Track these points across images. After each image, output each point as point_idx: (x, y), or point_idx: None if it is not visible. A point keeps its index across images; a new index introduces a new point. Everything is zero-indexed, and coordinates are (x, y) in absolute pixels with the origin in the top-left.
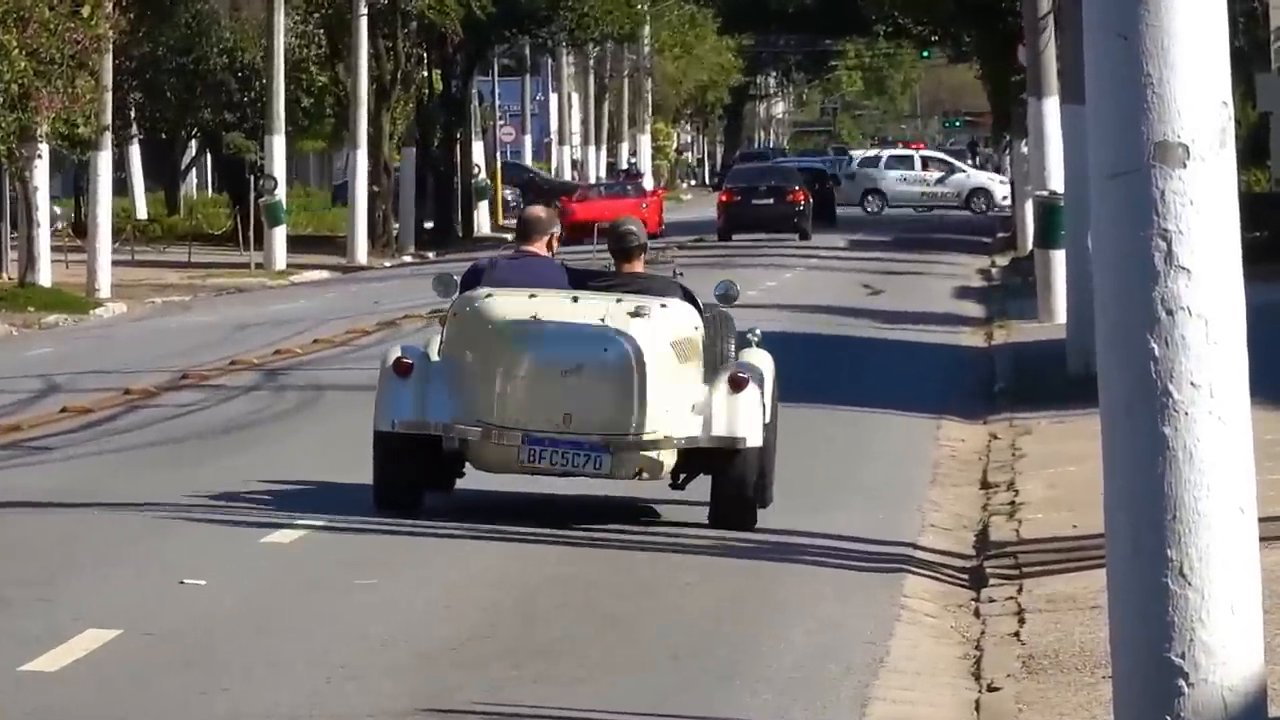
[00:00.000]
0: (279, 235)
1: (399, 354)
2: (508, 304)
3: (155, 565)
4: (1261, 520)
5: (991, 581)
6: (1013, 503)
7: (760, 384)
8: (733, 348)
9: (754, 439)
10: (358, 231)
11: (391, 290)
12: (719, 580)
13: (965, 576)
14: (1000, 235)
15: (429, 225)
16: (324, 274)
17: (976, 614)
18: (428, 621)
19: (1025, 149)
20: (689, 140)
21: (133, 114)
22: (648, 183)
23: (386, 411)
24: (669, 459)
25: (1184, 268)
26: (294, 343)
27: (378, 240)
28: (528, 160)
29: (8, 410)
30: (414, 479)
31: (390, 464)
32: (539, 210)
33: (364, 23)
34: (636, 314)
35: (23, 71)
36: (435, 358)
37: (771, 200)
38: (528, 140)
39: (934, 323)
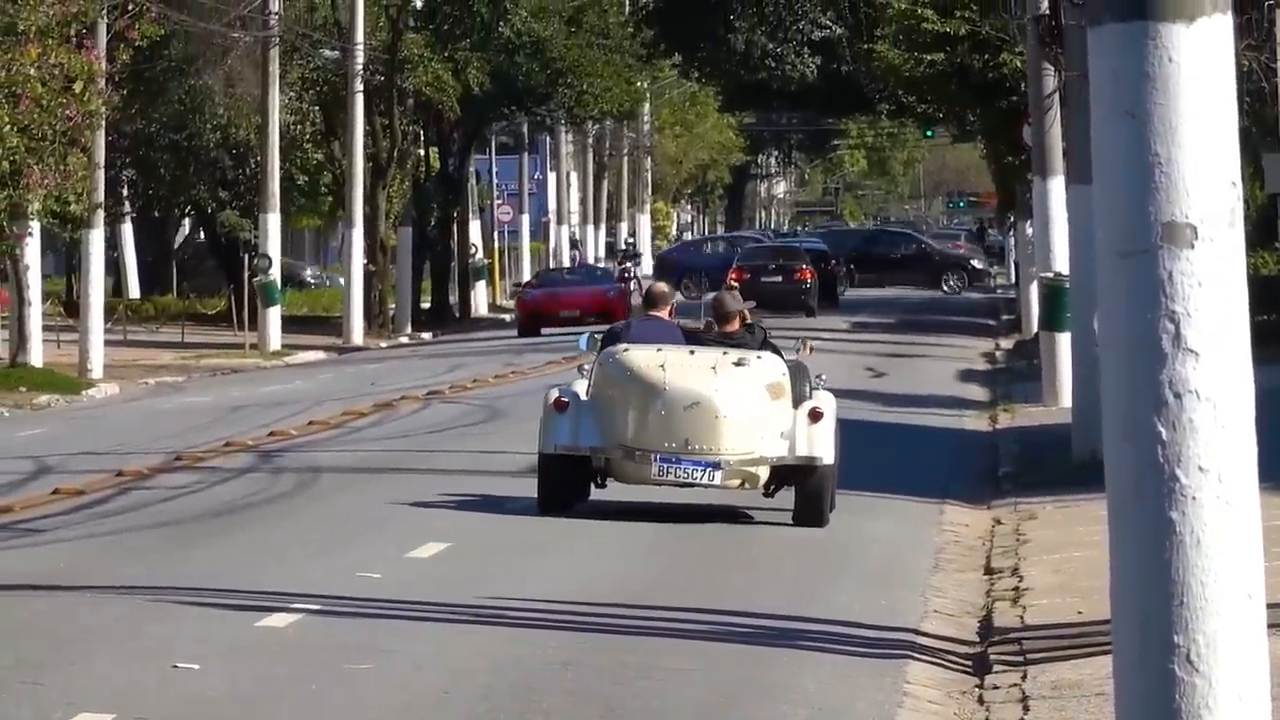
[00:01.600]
0: (274, 315)
1: (558, 394)
2: (641, 356)
3: (148, 649)
4: (1270, 607)
5: (995, 668)
6: (1017, 588)
7: (831, 416)
8: (808, 389)
9: (828, 459)
10: (353, 312)
11: (388, 371)
12: (719, 665)
13: (969, 663)
14: (1005, 318)
15: (426, 305)
16: (319, 355)
17: (980, 701)
18: (424, 707)
19: (1030, 230)
20: (689, 220)
21: (125, 192)
22: (647, 264)
23: (549, 438)
24: (763, 473)
25: (1192, 350)
26: (289, 424)
27: (374, 320)
28: (524, 240)
29: None
30: (569, 490)
31: (550, 478)
32: (663, 286)
33: (360, 100)
34: (740, 363)
35: (14, 148)
36: (584, 397)
37: (780, 279)
38: (525, 219)
39: (938, 406)
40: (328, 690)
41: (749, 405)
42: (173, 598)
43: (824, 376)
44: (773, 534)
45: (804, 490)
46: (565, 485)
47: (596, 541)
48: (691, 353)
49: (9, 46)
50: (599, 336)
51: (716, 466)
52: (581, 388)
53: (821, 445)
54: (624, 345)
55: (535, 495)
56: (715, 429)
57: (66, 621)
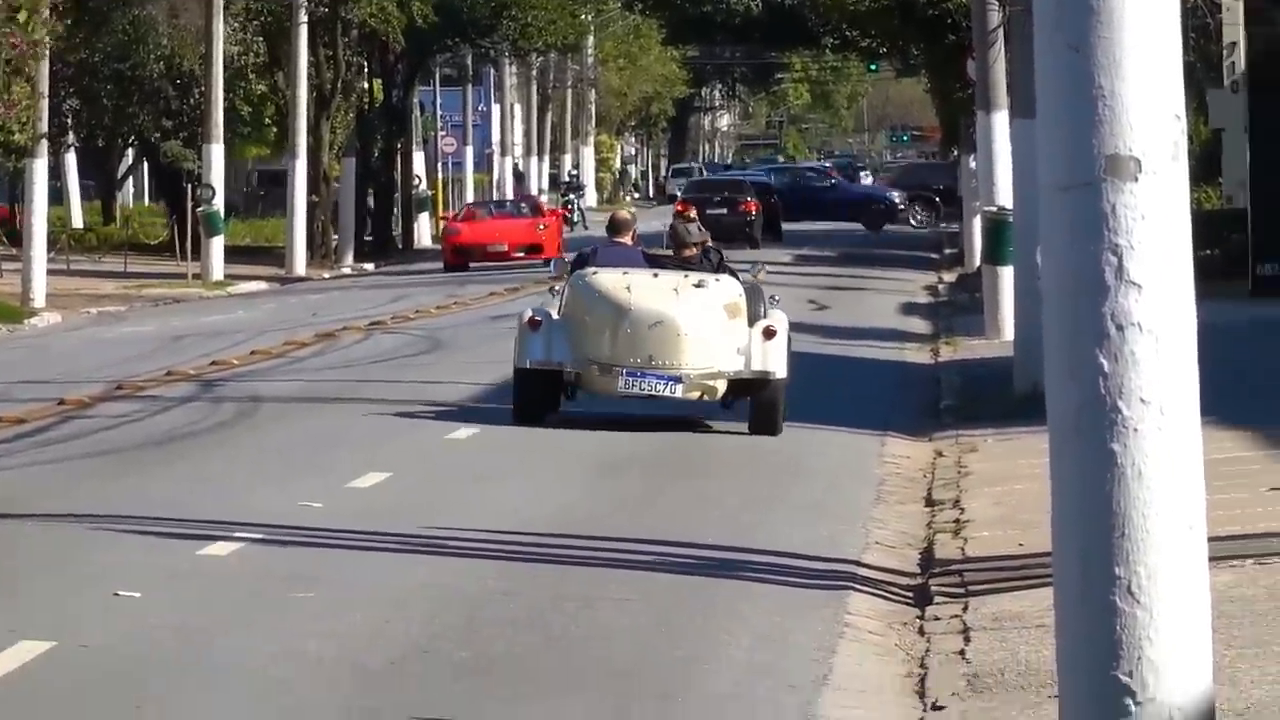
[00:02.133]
0: (216, 245)
1: (531, 314)
2: (609, 278)
3: (89, 577)
4: (1210, 540)
5: (936, 599)
6: (958, 520)
7: (784, 334)
8: (763, 309)
9: (781, 372)
10: (296, 242)
11: (330, 302)
12: (660, 596)
13: (910, 594)
14: (948, 251)
15: (369, 237)
16: (262, 285)
17: (921, 632)
18: (366, 636)
19: (973, 164)
20: (633, 153)
21: (69, 121)
22: (590, 196)
23: (524, 354)
24: (721, 386)
25: (1135, 283)
26: (231, 354)
27: (316, 251)
28: (468, 171)
29: None
30: (541, 402)
31: (525, 391)
32: (625, 214)
33: (304, 31)
34: (699, 285)
35: None
36: (555, 316)
37: (725, 210)
38: (469, 151)
39: (879, 338)
40: (269, 619)
41: (708, 324)
42: (114, 526)
43: (777, 298)
44: (715, 466)
45: (759, 401)
46: (539, 397)
47: (539, 472)
48: (655, 275)
49: None
50: (568, 260)
51: (678, 380)
52: (554, 308)
53: (775, 360)
54: (592, 269)
55: (479, 424)
56: (677, 345)
57: (6, 550)
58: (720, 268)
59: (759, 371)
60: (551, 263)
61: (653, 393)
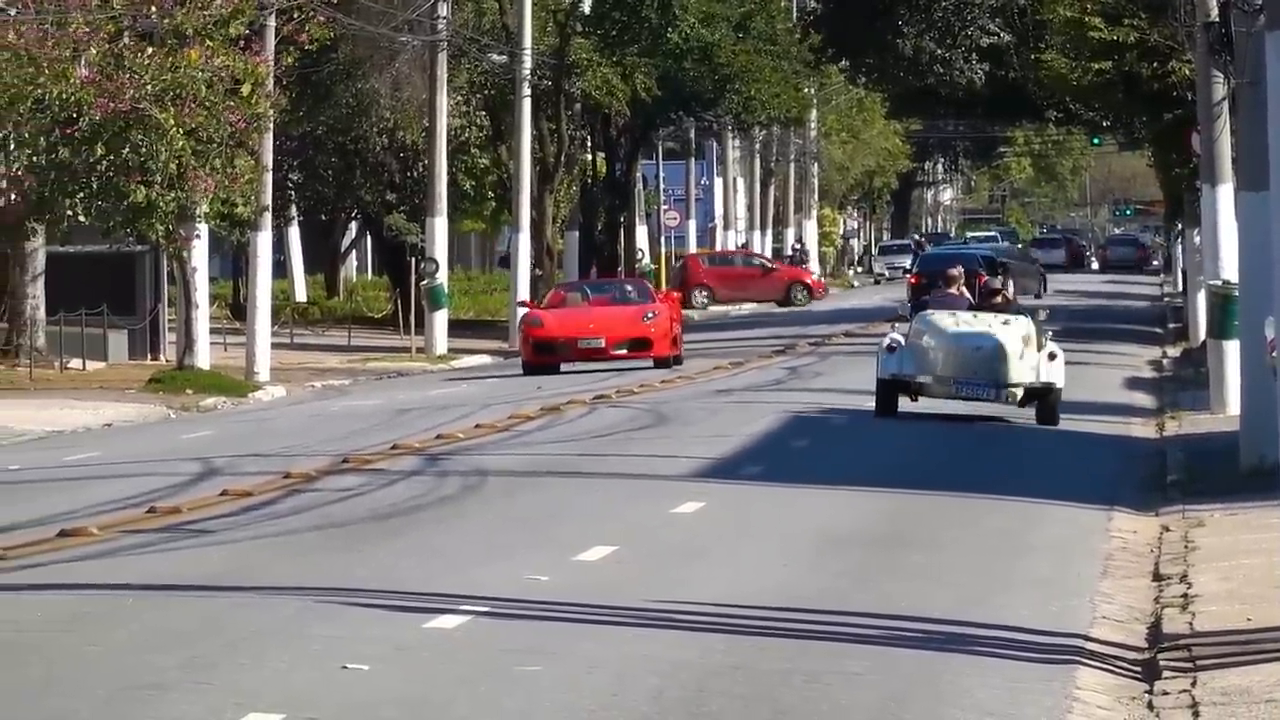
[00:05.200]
0: (440, 319)
1: (889, 340)
2: (942, 316)
3: (317, 650)
4: None
5: (1165, 674)
6: (1186, 595)
7: (1061, 358)
8: (1045, 340)
9: (1060, 383)
10: (520, 315)
11: (553, 376)
12: (888, 671)
13: (1138, 669)
14: (1172, 326)
15: None
16: (485, 359)
17: (1150, 706)
18: (593, 711)
19: (1198, 238)
20: (855, 226)
21: (292, 194)
22: (815, 269)
23: (884, 368)
24: (1020, 393)
25: None
26: (455, 428)
27: None
28: (691, 245)
29: (167, 493)
30: (894, 402)
31: (884, 395)
32: (955, 271)
33: (527, 104)
34: (1006, 322)
35: (181, 150)
36: (903, 342)
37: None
38: (692, 225)
39: (1104, 413)
40: (496, 692)
41: (1012, 349)
42: (341, 599)
43: (1050, 330)
44: (940, 541)
45: (1045, 404)
46: (892, 399)
47: (764, 546)
48: (975, 315)
49: (172, 49)
50: (909, 304)
51: (993, 388)
52: (902, 337)
53: (1056, 375)
54: (930, 311)
55: (703, 499)
56: (991, 365)
57: (235, 622)
58: (1018, 311)
59: (1046, 383)
60: (902, 304)
61: (974, 397)
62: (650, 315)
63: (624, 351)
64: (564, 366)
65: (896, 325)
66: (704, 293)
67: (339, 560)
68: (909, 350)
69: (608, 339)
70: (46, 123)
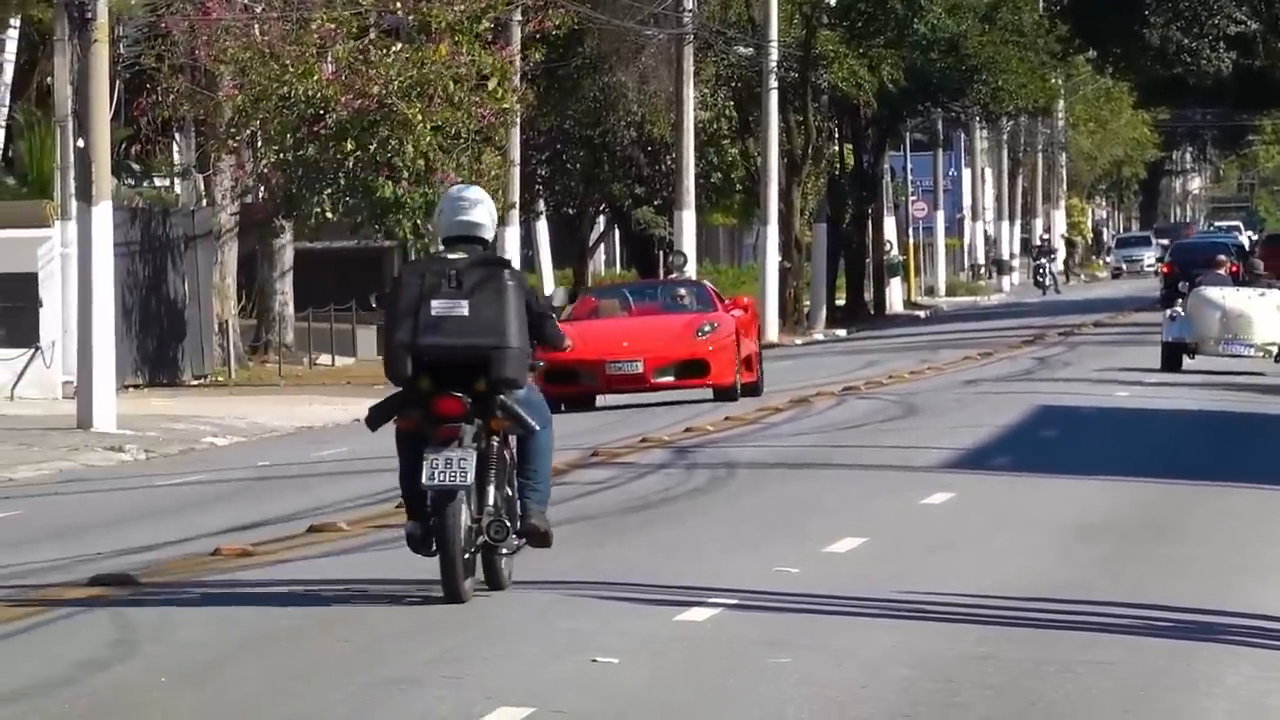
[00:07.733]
0: None
1: (1170, 313)
2: (1212, 291)
3: (566, 643)
4: None
5: None
6: None
7: None
8: None
9: None
10: (768, 308)
11: (802, 368)
12: (1139, 660)
13: None
14: None
15: (840, 302)
16: None
17: None
18: (844, 703)
19: None
20: (1104, 216)
21: (540, 189)
22: (1060, 260)
23: (1168, 333)
24: (1274, 350)
25: None
26: (704, 420)
27: (788, 318)
28: (939, 236)
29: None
30: (1179, 361)
31: (1168, 355)
32: (1222, 256)
33: (774, 96)
34: (1263, 294)
35: (428, 146)
36: (1182, 313)
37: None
38: (940, 216)
39: None
40: (746, 684)
41: (1268, 315)
42: (590, 592)
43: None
44: (1189, 530)
45: None
46: (1175, 359)
47: (1014, 536)
48: (1238, 289)
49: (420, 45)
50: (1184, 287)
51: (1251, 346)
52: (1180, 309)
53: None
54: (1202, 289)
55: (954, 490)
56: (1250, 328)
57: (483, 617)
58: (1271, 286)
59: None
60: (1165, 294)
61: (1238, 354)
62: (707, 328)
63: (669, 379)
64: (598, 399)
65: (1179, 302)
66: None
67: (589, 553)
68: (1186, 319)
69: (647, 362)
70: (293, 120)
